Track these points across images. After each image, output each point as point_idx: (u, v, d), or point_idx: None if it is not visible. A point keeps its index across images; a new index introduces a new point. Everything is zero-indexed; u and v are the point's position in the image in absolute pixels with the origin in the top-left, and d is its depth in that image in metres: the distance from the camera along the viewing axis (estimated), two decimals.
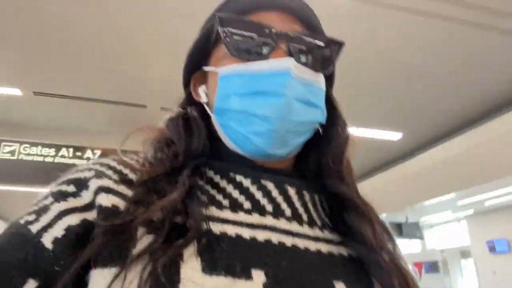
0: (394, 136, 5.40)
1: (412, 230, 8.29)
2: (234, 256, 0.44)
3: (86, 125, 4.74)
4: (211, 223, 0.47)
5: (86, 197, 0.46)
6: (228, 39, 0.53)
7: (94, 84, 3.94)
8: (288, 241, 0.49)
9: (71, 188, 0.48)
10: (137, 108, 4.07)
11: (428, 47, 3.45)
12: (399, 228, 8.12)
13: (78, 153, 4.61)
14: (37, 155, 4.56)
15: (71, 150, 4.62)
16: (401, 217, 8.15)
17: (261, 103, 0.50)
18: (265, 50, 0.53)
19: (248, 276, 0.43)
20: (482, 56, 3.59)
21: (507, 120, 4.46)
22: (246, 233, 0.48)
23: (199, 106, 0.60)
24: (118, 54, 3.41)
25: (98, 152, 4.50)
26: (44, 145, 4.62)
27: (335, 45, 0.57)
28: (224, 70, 0.54)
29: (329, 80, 0.62)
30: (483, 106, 4.59)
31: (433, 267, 10.45)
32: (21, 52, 3.35)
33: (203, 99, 0.59)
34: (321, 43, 0.56)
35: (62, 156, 4.61)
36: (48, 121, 4.82)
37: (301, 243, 0.50)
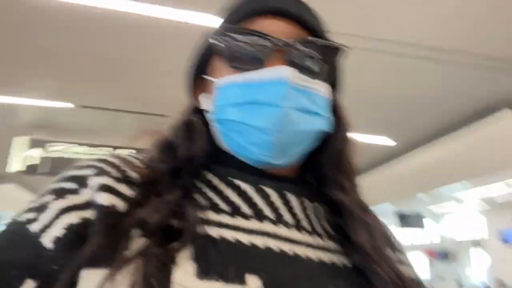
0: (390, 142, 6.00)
1: (414, 220, 8.74)
2: (230, 261, 0.43)
3: (120, 130, 5.69)
4: (208, 227, 0.46)
5: (86, 194, 0.45)
6: (223, 50, 0.52)
7: (128, 99, 4.88)
8: (288, 248, 0.48)
9: (71, 185, 0.46)
10: (158, 117, 4.94)
11: (406, 76, 4.07)
12: (402, 217, 8.59)
13: (115, 151, 5.53)
14: (81, 153, 5.52)
15: (109, 149, 5.53)
16: (404, 207, 8.64)
17: (258, 114, 0.49)
18: (261, 60, 0.51)
19: (242, 281, 0.41)
20: (448, 84, 4.14)
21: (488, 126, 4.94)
22: (245, 239, 0.46)
23: (202, 113, 0.59)
24: (149, 78, 4.29)
25: (132, 151, 5.42)
26: (90, 145, 5.55)
27: (337, 51, 0.55)
28: (221, 81, 0.53)
29: (336, 86, 0.60)
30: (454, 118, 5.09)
31: (444, 255, 10.85)
32: (75, 74, 4.27)
33: (205, 106, 0.57)
34: (322, 50, 0.54)
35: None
36: (91, 126, 5.77)
37: (302, 251, 0.48)
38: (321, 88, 0.54)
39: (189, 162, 0.52)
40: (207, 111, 0.57)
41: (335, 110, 0.59)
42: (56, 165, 5.37)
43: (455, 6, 3.04)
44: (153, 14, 3.12)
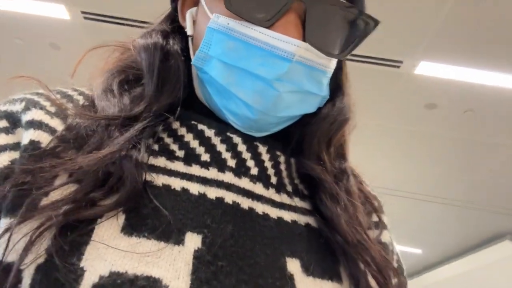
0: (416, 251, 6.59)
1: None
2: (170, 214, 0.37)
3: None
4: (154, 174, 0.40)
5: (18, 133, 0.40)
6: None
7: None
8: (245, 203, 0.42)
9: (3, 123, 0.41)
10: None
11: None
12: None
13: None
14: None
15: None
16: None
17: (246, 86, 0.41)
18: (272, 11, 0.41)
19: (179, 240, 0.36)
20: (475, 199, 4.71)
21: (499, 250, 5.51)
22: (195, 188, 0.41)
23: (183, 33, 0.49)
24: None
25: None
26: None
27: (369, 23, 0.44)
28: (216, 21, 0.42)
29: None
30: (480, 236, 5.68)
31: None
32: None
33: (188, 29, 0.47)
34: (350, 16, 0.44)
35: None
36: None
37: (261, 208, 0.43)
38: (331, 65, 0.45)
39: (151, 109, 0.43)
40: (190, 37, 0.47)
41: (339, 82, 0.51)
42: None
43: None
44: None
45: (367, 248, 0.44)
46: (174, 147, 0.44)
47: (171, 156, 0.43)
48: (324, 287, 0.41)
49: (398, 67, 2.86)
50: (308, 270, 0.41)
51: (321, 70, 0.44)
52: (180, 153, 0.43)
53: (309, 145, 0.49)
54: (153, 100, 0.44)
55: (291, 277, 0.39)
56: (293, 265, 0.40)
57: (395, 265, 0.51)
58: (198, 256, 0.36)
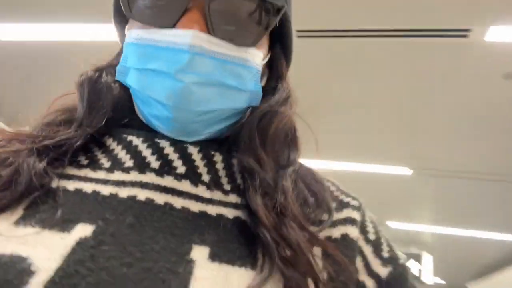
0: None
1: None
2: (67, 210, 0.40)
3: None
4: (66, 181, 0.44)
5: None
6: None
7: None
8: (161, 198, 0.43)
9: None
10: None
11: None
12: None
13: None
14: None
15: None
16: None
17: (156, 85, 0.43)
18: (173, 13, 0.43)
19: (65, 228, 0.38)
20: None
21: None
22: (107, 190, 0.43)
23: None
24: None
25: None
26: None
27: (274, 10, 0.46)
28: (129, 35, 0.46)
29: (286, 54, 0.53)
30: None
31: None
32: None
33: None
34: (253, 5, 0.45)
35: None
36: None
37: (180, 202, 0.44)
38: (247, 56, 0.45)
39: (80, 130, 0.48)
40: None
41: (276, 78, 0.52)
42: None
43: None
44: None
45: (290, 245, 0.43)
46: (103, 160, 0.47)
47: (96, 166, 0.46)
48: (229, 272, 0.40)
49: (466, 36, 2.74)
50: (216, 256, 0.41)
51: (237, 64, 0.45)
52: (107, 164, 0.47)
53: (243, 141, 0.48)
54: (84, 122, 0.48)
55: (190, 261, 0.39)
56: (199, 252, 0.41)
57: (386, 255, 0.52)
58: (81, 242, 0.38)
